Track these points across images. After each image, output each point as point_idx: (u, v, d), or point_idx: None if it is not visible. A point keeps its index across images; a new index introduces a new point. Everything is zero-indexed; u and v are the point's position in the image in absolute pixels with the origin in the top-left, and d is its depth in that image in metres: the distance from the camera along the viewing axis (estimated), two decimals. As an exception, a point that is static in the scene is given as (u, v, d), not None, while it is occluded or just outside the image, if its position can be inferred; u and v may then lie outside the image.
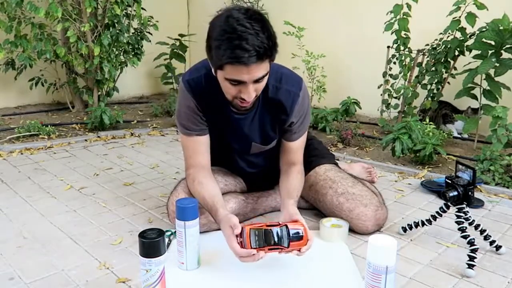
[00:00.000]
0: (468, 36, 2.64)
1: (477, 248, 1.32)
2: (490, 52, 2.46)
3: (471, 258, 1.29)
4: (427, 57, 2.84)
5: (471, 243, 1.32)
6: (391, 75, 2.98)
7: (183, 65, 4.20)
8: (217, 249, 1.39)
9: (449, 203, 1.41)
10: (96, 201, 1.83)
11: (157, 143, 2.81)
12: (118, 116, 3.06)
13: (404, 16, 2.75)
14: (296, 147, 1.53)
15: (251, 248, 1.17)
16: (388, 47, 3.04)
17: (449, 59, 2.72)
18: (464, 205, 1.37)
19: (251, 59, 1.14)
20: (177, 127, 1.53)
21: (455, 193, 1.35)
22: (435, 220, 1.48)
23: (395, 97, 2.95)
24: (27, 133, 2.79)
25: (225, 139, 1.51)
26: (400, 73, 2.89)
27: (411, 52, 2.86)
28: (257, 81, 1.22)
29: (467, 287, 1.24)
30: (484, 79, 2.54)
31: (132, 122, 3.31)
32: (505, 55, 2.45)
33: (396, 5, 2.75)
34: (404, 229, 1.54)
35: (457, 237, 1.47)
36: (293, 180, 1.47)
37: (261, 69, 1.20)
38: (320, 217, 1.58)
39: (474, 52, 2.56)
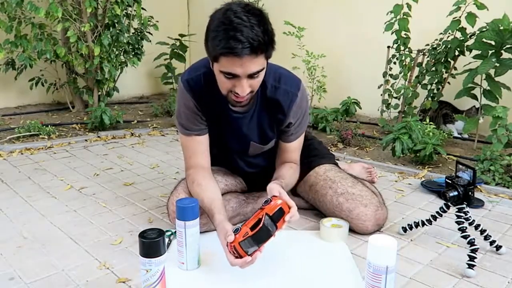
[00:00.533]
0: (468, 36, 2.64)
1: (477, 248, 1.32)
2: (490, 52, 2.46)
3: (471, 258, 1.29)
4: (427, 57, 2.84)
5: (471, 243, 1.32)
6: (391, 75, 2.98)
7: (183, 65, 4.20)
8: (217, 249, 1.39)
9: (449, 203, 1.41)
10: (96, 201, 1.83)
11: (157, 143, 2.81)
12: (118, 116, 3.06)
13: (404, 16, 2.75)
14: (292, 148, 1.54)
15: (247, 255, 1.17)
16: (388, 47, 3.04)
17: (449, 59, 2.72)
18: (464, 205, 1.37)
19: (244, 51, 1.15)
20: (176, 127, 1.53)
21: (455, 193, 1.35)
22: (435, 220, 1.48)
23: (395, 97, 2.95)
24: (27, 133, 2.79)
25: (224, 138, 1.51)
26: (400, 73, 2.89)
27: (411, 52, 2.86)
28: (251, 76, 1.22)
29: (467, 287, 1.24)
30: (484, 79, 2.54)
31: (132, 122, 3.31)
32: (505, 55, 2.45)
33: (396, 5, 2.75)
34: (404, 229, 1.54)
35: (457, 237, 1.47)
36: (285, 170, 1.49)
37: (255, 63, 1.20)
38: (320, 217, 1.58)
39: (474, 52, 2.56)
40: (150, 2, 3.77)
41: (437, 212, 1.47)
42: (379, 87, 3.09)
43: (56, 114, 3.52)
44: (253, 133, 1.49)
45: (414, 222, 1.52)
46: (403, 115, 2.90)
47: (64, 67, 3.51)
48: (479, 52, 2.51)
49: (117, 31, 3.29)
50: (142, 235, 1.06)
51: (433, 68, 2.75)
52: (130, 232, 1.55)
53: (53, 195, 1.90)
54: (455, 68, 2.77)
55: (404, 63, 2.85)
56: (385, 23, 2.81)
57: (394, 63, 2.94)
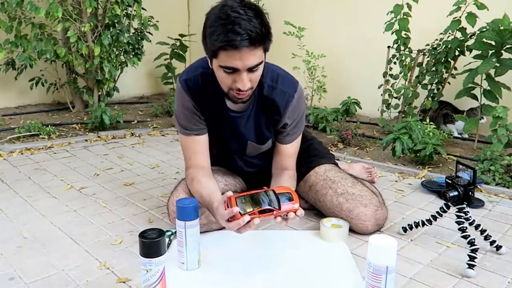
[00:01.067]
0: (468, 36, 2.64)
1: (478, 248, 1.32)
2: (490, 52, 2.46)
3: (472, 258, 1.29)
4: (428, 57, 2.84)
5: (471, 243, 1.32)
6: (391, 75, 2.98)
7: (183, 65, 4.20)
8: (217, 249, 1.39)
9: (449, 203, 1.41)
10: (96, 201, 1.83)
11: (157, 143, 2.81)
12: (119, 116, 3.06)
13: (404, 16, 2.75)
14: (289, 152, 1.53)
15: (241, 215, 1.13)
16: (389, 47, 3.04)
17: (449, 59, 2.72)
18: (465, 205, 1.37)
19: (243, 43, 1.15)
20: (176, 127, 1.53)
21: (456, 193, 1.35)
22: (435, 220, 1.48)
23: (396, 97, 2.95)
24: (28, 133, 2.79)
25: (222, 138, 1.52)
26: (400, 73, 2.89)
27: (411, 52, 2.86)
28: (251, 70, 1.22)
29: (468, 287, 1.24)
30: (485, 79, 2.54)
31: (132, 122, 3.31)
32: (505, 55, 2.45)
33: (396, 5, 2.75)
34: (405, 229, 1.54)
35: (457, 237, 1.47)
36: (284, 182, 1.45)
37: (254, 56, 1.20)
38: (320, 217, 1.58)
39: (475, 52, 2.56)
40: (150, 2, 3.78)
41: (437, 212, 1.47)
42: (379, 87, 3.09)
43: (56, 114, 3.52)
44: (250, 133, 1.49)
45: (414, 222, 1.52)
46: (403, 115, 2.90)
47: (64, 67, 3.51)
48: (479, 52, 2.51)
49: (117, 31, 3.29)
50: (142, 235, 1.06)
51: (433, 68, 2.75)
52: (130, 232, 1.55)
53: (53, 195, 1.90)
54: (455, 68, 2.77)
55: (404, 63, 2.85)
56: (385, 23, 2.81)
57: (394, 63, 2.94)
